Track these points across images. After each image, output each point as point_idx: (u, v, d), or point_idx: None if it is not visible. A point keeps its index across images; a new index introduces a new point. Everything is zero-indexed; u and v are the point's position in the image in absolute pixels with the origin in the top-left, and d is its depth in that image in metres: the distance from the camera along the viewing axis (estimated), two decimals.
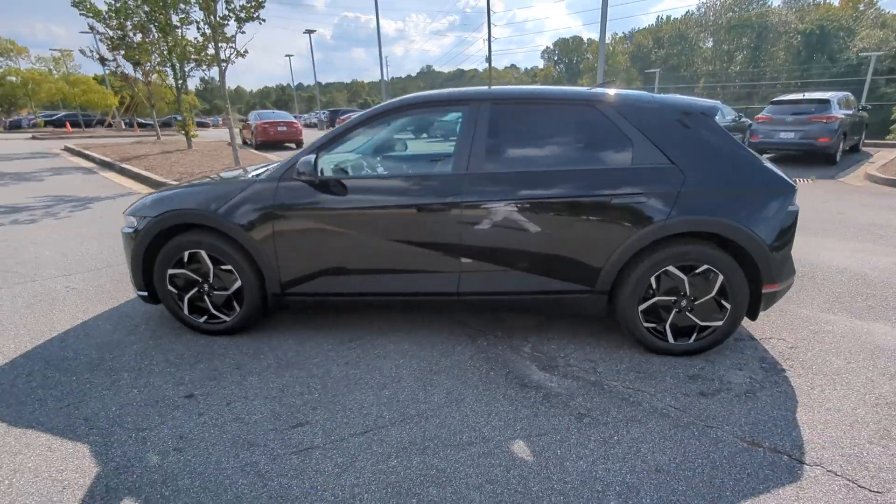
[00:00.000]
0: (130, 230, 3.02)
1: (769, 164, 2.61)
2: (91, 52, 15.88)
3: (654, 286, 2.61)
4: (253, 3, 9.52)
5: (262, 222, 2.81)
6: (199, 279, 2.98)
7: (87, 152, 14.28)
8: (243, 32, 9.68)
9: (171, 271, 2.97)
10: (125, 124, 33.78)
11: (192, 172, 9.81)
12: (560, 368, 2.65)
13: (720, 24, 50.27)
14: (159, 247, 2.95)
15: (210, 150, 13.67)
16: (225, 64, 10.15)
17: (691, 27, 53.20)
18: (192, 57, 11.93)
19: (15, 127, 36.84)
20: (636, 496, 1.77)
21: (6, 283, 4.04)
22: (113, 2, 12.67)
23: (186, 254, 2.93)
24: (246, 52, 10.29)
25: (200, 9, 9.09)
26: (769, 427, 2.13)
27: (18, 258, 4.71)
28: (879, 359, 2.67)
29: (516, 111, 2.70)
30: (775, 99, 10.96)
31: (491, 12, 32.56)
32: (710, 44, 52.69)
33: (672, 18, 57.23)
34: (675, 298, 2.62)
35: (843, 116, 10.05)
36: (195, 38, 11.81)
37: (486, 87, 2.87)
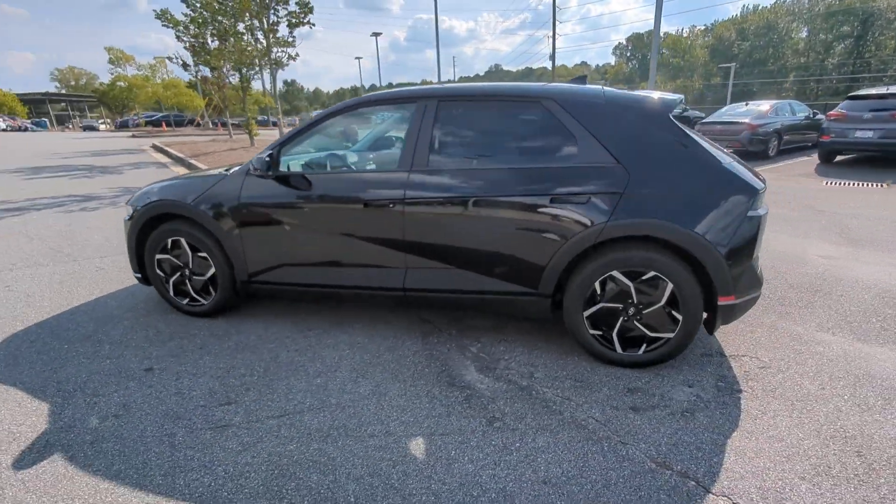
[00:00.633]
0: (127, 218, 3.35)
1: (731, 165, 2.37)
2: (176, 58, 17.59)
3: (598, 291, 2.47)
4: (302, 10, 10.05)
5: (229, 213, 3.00)
6: (182, 265, 3.24)
7: (167, 149, 15.84)
8: (293, 37, 10.23)
9: (158, 256, 3.26)
10: (212, 124, 37.03)
11: None
12: (497, 371, 2.59)
13: (816, 12, 45.27)
14: (149, 234, 3.26)
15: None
16: (276, 67, 10.83)
17: (781, 16, 48.36)
18: (249, 61, 12.79)
19: (123, 126, 41.73)
20: None
21: (52, 262, 4.62)
22: (190, 12, 13.95)
23: (170, 241, 3.20)
24: (297, 55, 10.90)
25: (250, 17, 9.75)
26: (690, 450, 1.95)
27: (71, 240, 5.36)
28: (862, 388, 2.34)
29: (461, 109, 2.67)
30: (853, 94, 9.73)
31: (557, 9, 31.81)
32: (804, 34, 47.65)
33: (759, 7, 52.38)
34: (621, 306, 2.46)
35: None
36: (259, 43, 12.70)
37: (438, 85, 2.87)
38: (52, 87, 65.42)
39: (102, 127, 44.63)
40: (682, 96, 2.62)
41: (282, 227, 2.93)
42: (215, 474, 1.90)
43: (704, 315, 2.46)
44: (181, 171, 11.86)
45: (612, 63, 78.26)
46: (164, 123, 37.42)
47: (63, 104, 59.40)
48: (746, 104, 11.85)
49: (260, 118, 40.58)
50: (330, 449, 2.02)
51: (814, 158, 10.93)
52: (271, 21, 9.88)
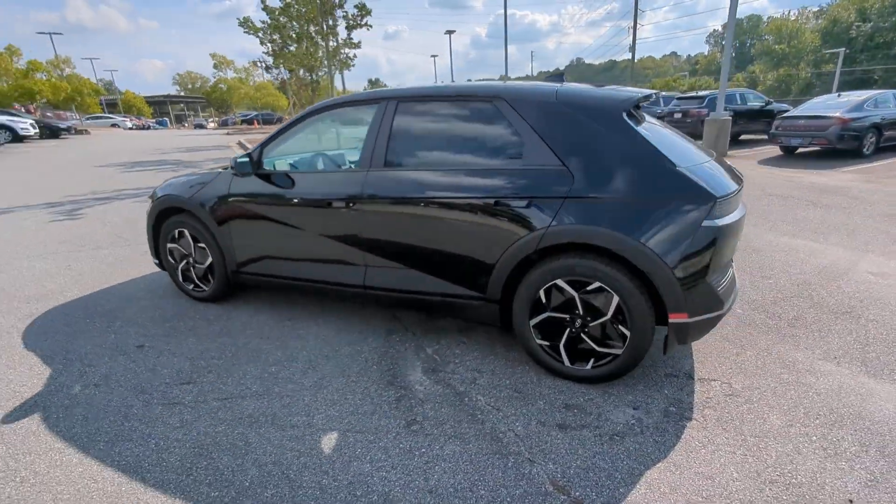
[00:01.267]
0: (149, 210, 3.74)
1: (693, 168, 2.12)
2: (261, 63, 19.10)
3: (543, 300, 2.35)
4: (360, 13, 10.44)
5: (220, 207, 3.25)
6: (187, 254, 3.57)
7: (248, 145, 17.31)
8: (351, 38, 10.66)
9: (168, 245, 3.62)
10: None
11: None
12: (442, 374, 2.56)
13: None
14: (162, 224, 3.62)
15: None
16: (343, 67, 11.38)
17: None
18: (315, 63, 13.52)
19: (224, 125, 46.26)
20: None
21: (110, 246, 5.28)
22: (269, 19, 15.07)
23: (176, 231, 3.54)
24: (355, 55, 11.35)
25: (306, 20, 10.31)
26: (599, 477, 1.81)
27: (133, 229, 6.07)
28: (839, 429, 2.00)
29: (417, 109, 2.65)
30: None
31: None
32: None
33: None
34: (568, 316, 2.32)
35: None
36: (322, 46, 13.42)
37: (401, 87, 2.87)
38: (173, 90, 73.89)
39: (210, 125, 49.73)
40: (650, 91, 2.40)
41: (261, 221, 3.12)
42: (147, 447, 2.09)
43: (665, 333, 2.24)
44: None
45: (706, 52, 72.06)
46: (255, 121, 40.84)
47: (181, 105, 67.29)
48: (839, 95, 10.38)
49: None
50: (251, 434, 2.14)
51: None
52: (329, 24, 10.40)
